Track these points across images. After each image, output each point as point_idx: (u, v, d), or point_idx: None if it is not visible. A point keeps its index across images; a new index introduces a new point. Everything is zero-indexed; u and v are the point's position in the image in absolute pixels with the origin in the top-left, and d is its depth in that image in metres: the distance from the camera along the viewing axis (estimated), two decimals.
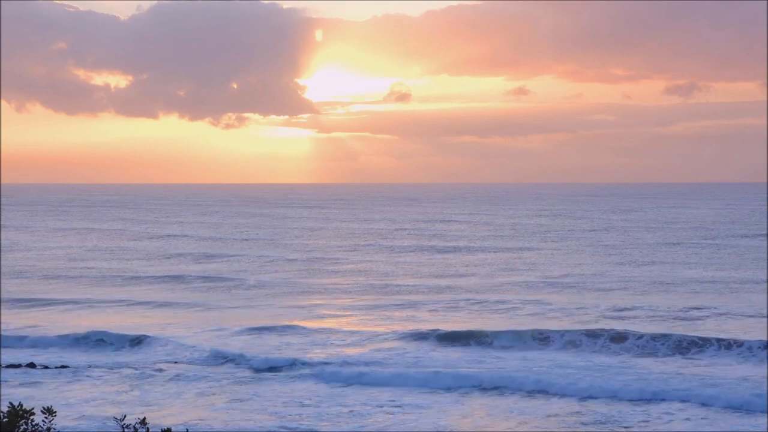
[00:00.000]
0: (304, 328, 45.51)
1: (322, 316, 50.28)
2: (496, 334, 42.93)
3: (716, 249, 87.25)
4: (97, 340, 43.57)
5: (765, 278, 62.77)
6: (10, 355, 40.15)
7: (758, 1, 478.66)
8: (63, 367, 38.61)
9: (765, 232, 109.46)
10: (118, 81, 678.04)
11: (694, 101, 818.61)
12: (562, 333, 42.53)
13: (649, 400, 31.90)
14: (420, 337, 43.19)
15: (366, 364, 37.61)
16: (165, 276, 68.13)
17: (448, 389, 33.96)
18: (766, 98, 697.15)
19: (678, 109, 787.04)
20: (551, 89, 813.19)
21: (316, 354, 39.92)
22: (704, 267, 71.93)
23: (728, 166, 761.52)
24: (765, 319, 46.04)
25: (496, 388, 33.92)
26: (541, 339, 42.19)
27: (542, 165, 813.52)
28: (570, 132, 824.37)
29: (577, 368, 36.47)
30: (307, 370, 36.93)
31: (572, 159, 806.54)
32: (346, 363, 37.74)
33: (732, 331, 43.11)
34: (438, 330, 43.71)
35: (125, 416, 10.72)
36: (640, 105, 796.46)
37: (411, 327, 45.40)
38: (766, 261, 75.34)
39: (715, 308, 50.44)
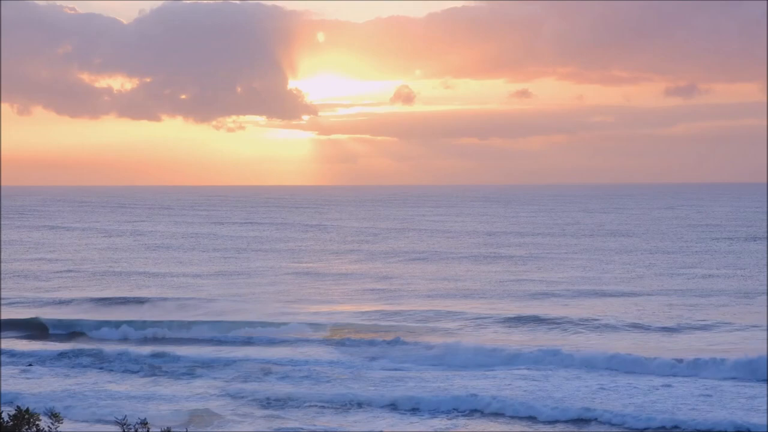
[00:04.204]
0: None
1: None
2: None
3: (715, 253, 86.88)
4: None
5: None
6: None
7: (759, 1, 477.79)
8: None
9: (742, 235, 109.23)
10: (122, 84, 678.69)
11: (694, 102, 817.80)
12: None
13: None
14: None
15: None
16: None
17: None
18: (766, 99, 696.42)
19: (678, 111, 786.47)
20: (553, 91, 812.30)
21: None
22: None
23: (728, 167, 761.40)
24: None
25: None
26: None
27: (543, 166, 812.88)
28: (571, 133, 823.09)
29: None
30: None
31: (573, 160, 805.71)
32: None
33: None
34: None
35: (126, 417, 10.72)
36: (641, 106, 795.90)
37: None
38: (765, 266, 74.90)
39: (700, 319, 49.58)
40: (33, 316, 51.62)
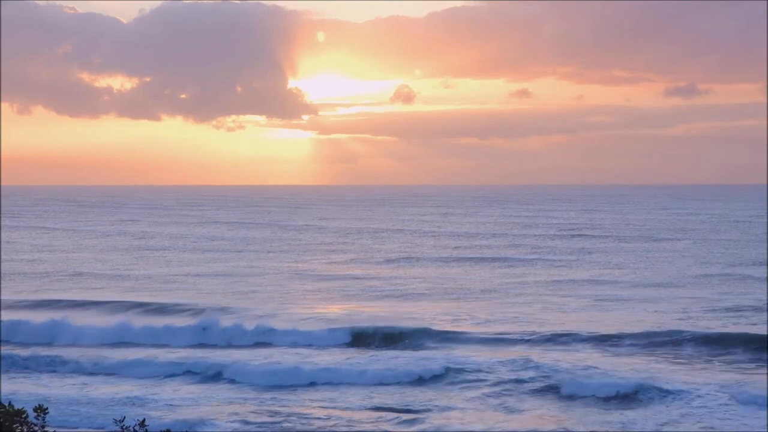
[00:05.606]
0: None
1: None
2: None
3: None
4: None
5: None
6: None
7: (759, 1, 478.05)
8: None
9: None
10: (122, 83, 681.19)
11: (694, 103, 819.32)
12: None
13: None
14: None
15: None
16: None
17: None
18: (766, 99, 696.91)
19: (678, 111, 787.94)
20: (553, 91, 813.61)
21: None
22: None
23: (728, 168, 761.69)
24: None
25: None
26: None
27: (543, 166, 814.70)
28: (571, 133, 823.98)
29: None
30: None
31: (573, 160, 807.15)
32: None
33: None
34: None
35: (124, 418, 10.81)
36: (641, 106, 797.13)
37: None
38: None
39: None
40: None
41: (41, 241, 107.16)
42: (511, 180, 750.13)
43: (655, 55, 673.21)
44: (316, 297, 60.39)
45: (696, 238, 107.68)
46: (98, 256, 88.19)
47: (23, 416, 9.35)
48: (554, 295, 60.06)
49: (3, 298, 58.72)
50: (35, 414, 9.43)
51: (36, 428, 9.95)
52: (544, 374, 37.06)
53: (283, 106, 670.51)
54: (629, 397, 34.25)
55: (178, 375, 39.25)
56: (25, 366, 41.04)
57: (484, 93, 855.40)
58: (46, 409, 9.26)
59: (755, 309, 52.92)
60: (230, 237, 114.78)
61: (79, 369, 40.33)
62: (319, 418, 32.40)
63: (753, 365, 39.72)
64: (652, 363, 39.47)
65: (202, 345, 45.55)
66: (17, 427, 9.73)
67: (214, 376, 38.81)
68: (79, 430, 31.53)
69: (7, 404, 9.29)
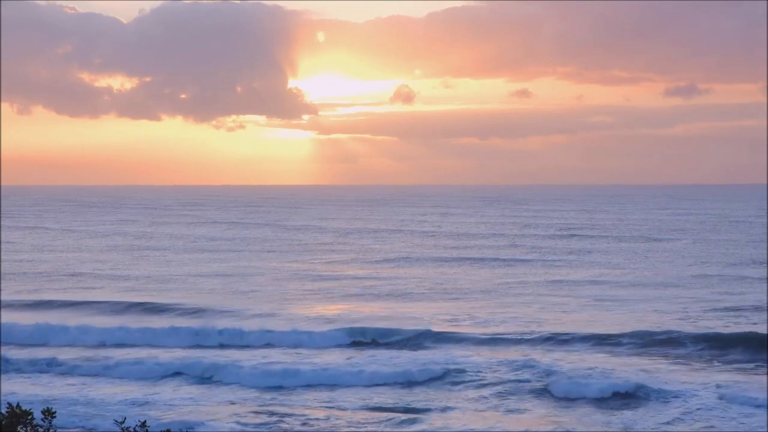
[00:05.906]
0: None
1: None
2: None
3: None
4: None
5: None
6: None
7: (759, 1, 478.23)
8: None
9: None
10: (122, 83, 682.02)
11: (694, 102, 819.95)
12: None
13: None
14: None
15: None
16: None
17: None
18: (766, 99, 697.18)
19: (678, 111, 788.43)
20: (553, 91, 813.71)
21: None
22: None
23: (728, 168, 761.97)
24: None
25: None
26: None
27: (543, 166, 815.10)
28: (571, 133, 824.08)
29: None
30: None
31: (573, 160, 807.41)
32: None
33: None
34: None
35: (125, 419, 10.83)
36: (641, 106, 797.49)
37: None
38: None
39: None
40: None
41: (41, 241, 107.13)
42: (511, 180, 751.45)
43: (655, 55, 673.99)
44: (316, 297, 60.41)
45: (696, 238, 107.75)
46: (97, 256, 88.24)
47: (29, 417, 9.44)
48: (553, 295, 60.15)
49: (2, 298, 58.74)
50: (42, 417, 9.50)
51: (40, 430, 10.02)
52: (544, 374, 37.17)
53: (283, 106, 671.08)
54: (629, 397, 34.39)
55: (178, 375, 39.27)
56: (24, 366, 41.10)
57: (484, 93, 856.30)
58: (54, 412, 9.32)
59: (755, 309, 52.98)
60: (230, 237, 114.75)
61: (77, 369, 40.33)
62: (318, 419, 32.44)
63: (752, 365, 39.84)
64: (651, 363, 39.62)
65: (201, 345, 45.57)
66: (21, 428, 9.81)
67: (213, 376, 38.84)
68: (78, 430, 31.56)
69: (14, 405, 9.38)
